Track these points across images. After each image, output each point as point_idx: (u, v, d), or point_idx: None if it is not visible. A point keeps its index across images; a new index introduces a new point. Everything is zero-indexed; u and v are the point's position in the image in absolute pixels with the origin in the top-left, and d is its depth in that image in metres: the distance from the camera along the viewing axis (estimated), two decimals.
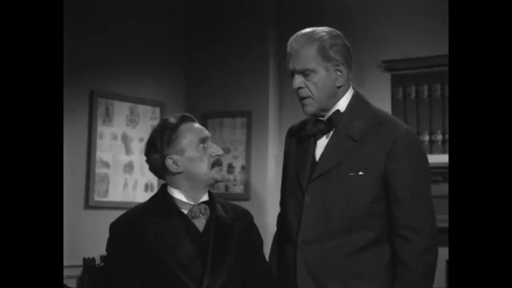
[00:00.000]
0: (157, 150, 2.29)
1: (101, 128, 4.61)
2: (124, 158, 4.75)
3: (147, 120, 4.90)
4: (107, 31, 4.66)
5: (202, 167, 2.28)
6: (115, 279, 2.22)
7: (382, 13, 4.59)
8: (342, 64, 2.22)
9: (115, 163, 4.70)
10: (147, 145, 2.35)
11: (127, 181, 4.75)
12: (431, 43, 4.32)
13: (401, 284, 2.16)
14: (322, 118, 2.25)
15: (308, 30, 2.26)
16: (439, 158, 4.18)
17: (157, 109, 4.95)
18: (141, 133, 4.85)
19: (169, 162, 2.28)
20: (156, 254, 2.20)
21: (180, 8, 5.13)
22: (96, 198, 4.55)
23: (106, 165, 4.64)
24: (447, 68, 4.20)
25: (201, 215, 2.29)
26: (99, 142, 4.59)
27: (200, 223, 2.28)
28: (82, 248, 4.31)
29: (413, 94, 4.34)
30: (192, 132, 2.30)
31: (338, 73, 2.22)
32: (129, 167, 4.77)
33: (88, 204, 4.50)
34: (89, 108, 4.55)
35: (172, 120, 2.32)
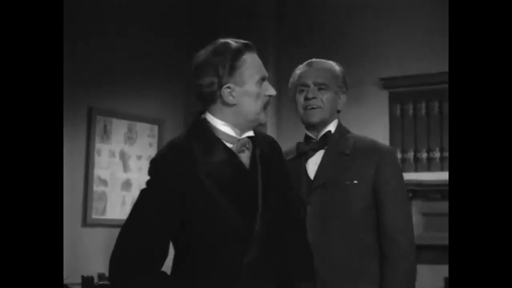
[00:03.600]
0: (217, 74, 2.07)
1: (99, 145, 4.60)
2: (122, 176, 4.75)
3: (145, 138, 4.90)
4: (105, 48, 4.67)
5: (256, 106, 2.11)
6: (149, 218, 2.04)
7: (380, 30, 4.61)
8: (344, 93, 2.57)
9: (113, 181, 4.69)
10: (202, 66, 2.11)
11: (125, 198, 4.74)
12: (429, 60, 4.33)
13: (388, 281, 2.38)
14: (313, 138, 2.54)
15: (319, 59, 2.60)
16: (437, 176, 4.19)
17: (155, 127, 4.95)
18: (139, 151, 4.85)
19: (226, 91, 2.07)
20: (208, 192, 2.04)
21: (179, 27, 5.15)
22: (94, 216, 4.54)
23: (104, 182, 4.63)
24: (445, 85, 4.21)
25: (246, 149, 2.13)
26: (97, 159, 4.59)
27: (244, 158, 2.13)
28: (80, 266, 4.29)
29: (411, 112, 4.34)
30: (255, 66, 2.11)
31: (342, 98, 2.57)
32: (127, 185, 4.76)
33: (86, 222, 4.48)
34: (87, 125, 4.55)
35: (235, 45, 2.12)
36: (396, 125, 4.33)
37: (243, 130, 2.13)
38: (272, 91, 2.13)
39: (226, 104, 2.09)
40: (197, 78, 2.12)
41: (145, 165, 4.89)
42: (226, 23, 5.06)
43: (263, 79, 2.13)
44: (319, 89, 2.50)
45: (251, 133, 2.15)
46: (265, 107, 2.15)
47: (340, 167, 2.45)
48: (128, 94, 4.81)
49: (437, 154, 4.23)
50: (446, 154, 4.20)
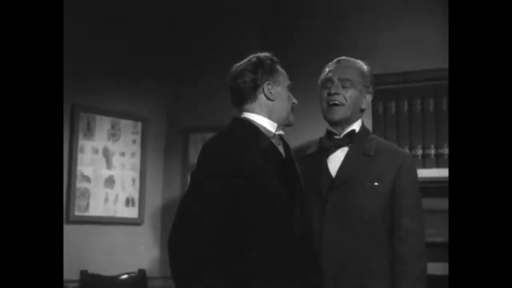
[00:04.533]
0: (259, 72, 2.40)
1: (82, 142, 4.59)
2: (105, 172, 4.74)
3: (129, 135, 4.89)
4: (88, 45, 4.66)
5: (287, 106, 2.44)
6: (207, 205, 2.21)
7: (364, 29, 4.63)
8: (370, 93, 2.65)
9: (96, 178, 4.68)
10: (244, 69, 2.43)
11: (108, 195, 4.73)
12: (412, 58, 4.36)
13: (402, 280, 2.45)
14: (337, 135, 2.59)
15: (348, 58, 2.69)
16: (420, 173, 4.20)
17: (139, 124, 4.94)
18: (122, 147, 4.84)
19: (267, 87, 2.40)
20: (262, 167, 2.27)
21: (163, 24, 5.14)
22: (77, 213, 4.53)
23: (87, 179, 4.62)
24: (427, 83, 4.24)
25: (280, 144, 2.43)
26: (80, 156, 4.57)
27: (280, 150, 2.43)
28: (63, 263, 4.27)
29: (393, 109, 4.37)
30: (284, 75, 2.48)
31: (367, 97, 2.64)
32: (110, 182, 4.75)
33: (69, 219, 4.47)
34: (70, 122, 4.54)
35: (270, 56, 2.46)
36: (378, 122, 4.36)
37: (277, 127, 2.42)
38: (295, 100, 2.46)
39: (266, 99, 2.40)
40: (240, 78, 2.42)
41: (129, 162, 4.91)
42: (211, 22, 5.06)
43: (289, 87, 2.46)
44: (343, 86, 2.56)
45: (281, 132, 2.45)
46: (291, 110, 2.46)
47: (362, 167, 2.51)
48: (112, 91, 4.80)
49: (419, 151, 4.25)
50: (429, 151, 4.24)
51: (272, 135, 2.41)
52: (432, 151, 4.20)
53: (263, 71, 2.40)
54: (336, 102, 2.56)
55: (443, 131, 4.09)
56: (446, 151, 4.10)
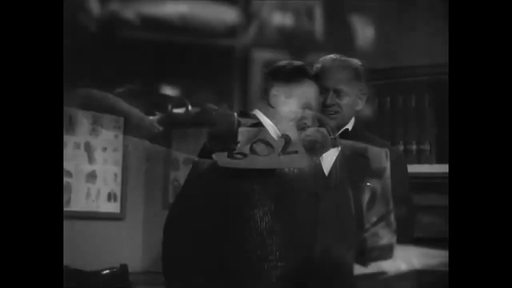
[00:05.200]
0: (270, 76, 2.42)
1: (64, 137, 4.57)
2: (87, 167, 4.72)
3: (111, 129, 4.87)
4: (70, 40, 4.62)
5: (288, 121, 2.39)
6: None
7: (347, 25, 4.64)
8: (365, 94, 2.65)
9: (78, 172, 4.66)
10: (272, 70, 2.45)
11: (90, 190, 4.71)
12: (392, 54, 4.38)
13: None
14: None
15: (343, 56, 2.67)
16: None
17: (121, 118, 4.93)
18: (104, 142, 4.82)
19: (271, 93, 2.42)
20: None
21: (150, 19, 5.12)
22: None
23: (69, 174, 4.60)
24: (409, 79, 4.26)
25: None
26: None
27: None
28: None
29: (376, 105, 4.39)
30: (306, 93, 2.42)
31: (362, 98, 2.65)
32: (91, 177, 4.73)
33: None
34: None
35: (297, 64, 2.44)
36: (359, 118, 4.38)
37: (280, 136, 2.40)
38: (309, 121, 2.41)
39: (269, 105, 2.41)
40: (264, 77, 2.44)
41: (110, 156, 4.89)
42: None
43: (306, 106, 2.42)
44: (338, 96, 2.58)
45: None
46: (298, 127, 2.42)
47: (356, 167, 2.53)
48: (93, 86, 4.77)
49: (401, 147, 4.28)
50: (411, 147, 4.27)
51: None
52: (414, 147, 4.23)
53: (275, 76, 2.41)
54: (332, 113, 2.59)
55: (425, 127, 4.13)
56: (427, 147, 4.13)
